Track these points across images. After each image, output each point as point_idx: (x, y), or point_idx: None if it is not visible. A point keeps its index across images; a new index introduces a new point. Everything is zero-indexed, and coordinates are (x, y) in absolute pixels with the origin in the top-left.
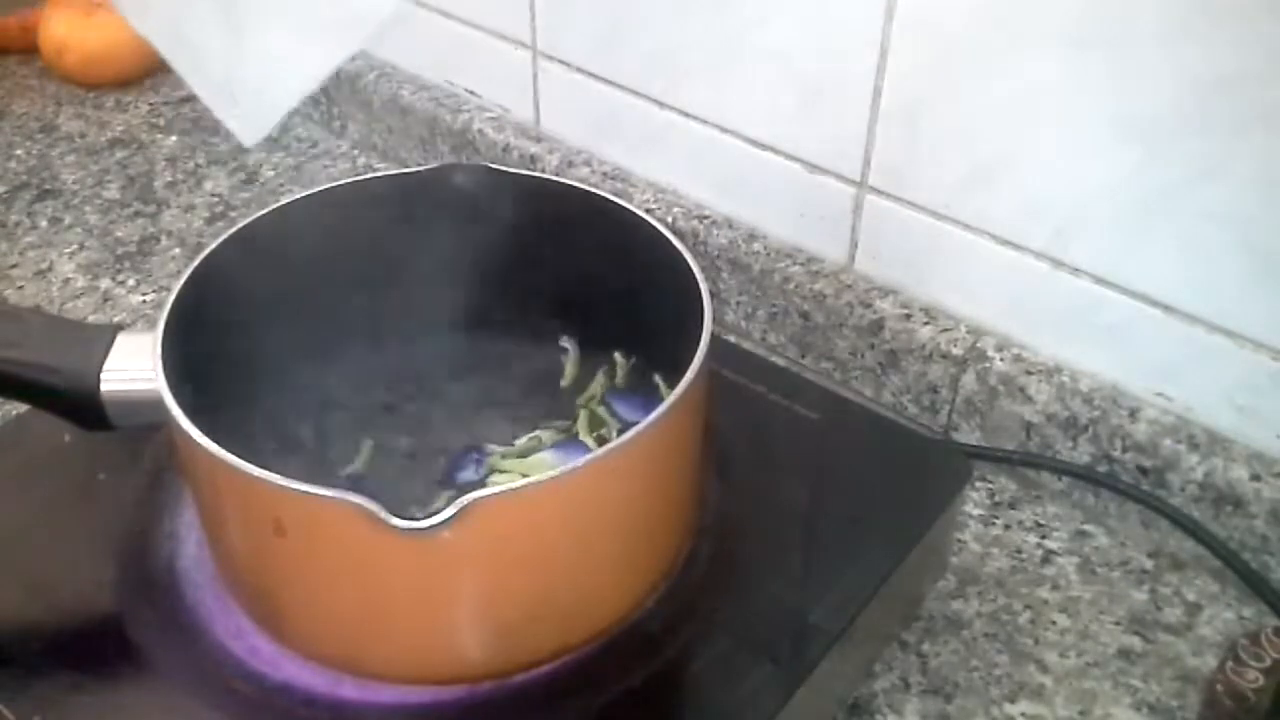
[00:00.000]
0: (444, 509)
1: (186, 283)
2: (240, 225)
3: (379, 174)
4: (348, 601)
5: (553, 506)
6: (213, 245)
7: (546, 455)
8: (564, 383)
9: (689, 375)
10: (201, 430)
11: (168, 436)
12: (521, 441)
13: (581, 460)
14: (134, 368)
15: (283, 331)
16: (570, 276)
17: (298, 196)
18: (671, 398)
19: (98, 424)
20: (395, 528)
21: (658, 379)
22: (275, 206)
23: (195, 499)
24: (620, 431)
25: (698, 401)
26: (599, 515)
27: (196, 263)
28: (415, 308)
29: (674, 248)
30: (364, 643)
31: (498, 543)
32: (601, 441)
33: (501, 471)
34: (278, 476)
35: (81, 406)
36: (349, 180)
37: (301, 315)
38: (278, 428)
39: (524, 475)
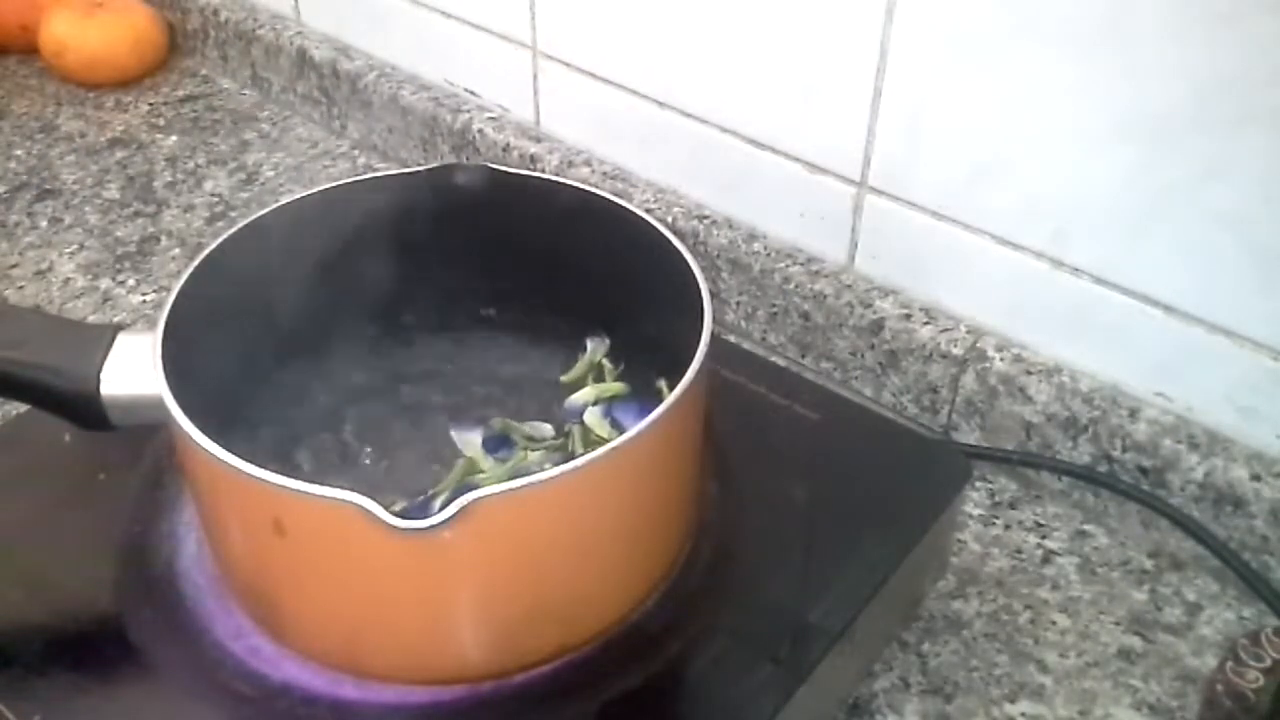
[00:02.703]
0: (444, 509)
1: (186, 283)
2: (240, 225)
3: (379, 174)
4: (348, 601)
5: (552, 506)
6: (212, 245)
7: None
8: (565, 378)
9: (689, 375)
10: (201, 430)
11: (168, 436)
12: (510, 464)
13: (581, 460)
14: (134, 368)
15: (282, 331)
16: (570, 277)
17: (297, 197)
18: (671, 398)
19: (98, 424)
20: (395, 528)
21: (661, 383)
22: (275, 207)
23: (195, 499)
24: None
25: (697, 402)
26: (598, 515)
27: (196, 263)
28: (414, 308)
29: (674, 247)
30: (364, 643)
31: (498, 543)
32: None
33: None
34: (278, 476)
35: (81, 407)
36: (349, 180)
37: (300, 315)
38: (277, 428)
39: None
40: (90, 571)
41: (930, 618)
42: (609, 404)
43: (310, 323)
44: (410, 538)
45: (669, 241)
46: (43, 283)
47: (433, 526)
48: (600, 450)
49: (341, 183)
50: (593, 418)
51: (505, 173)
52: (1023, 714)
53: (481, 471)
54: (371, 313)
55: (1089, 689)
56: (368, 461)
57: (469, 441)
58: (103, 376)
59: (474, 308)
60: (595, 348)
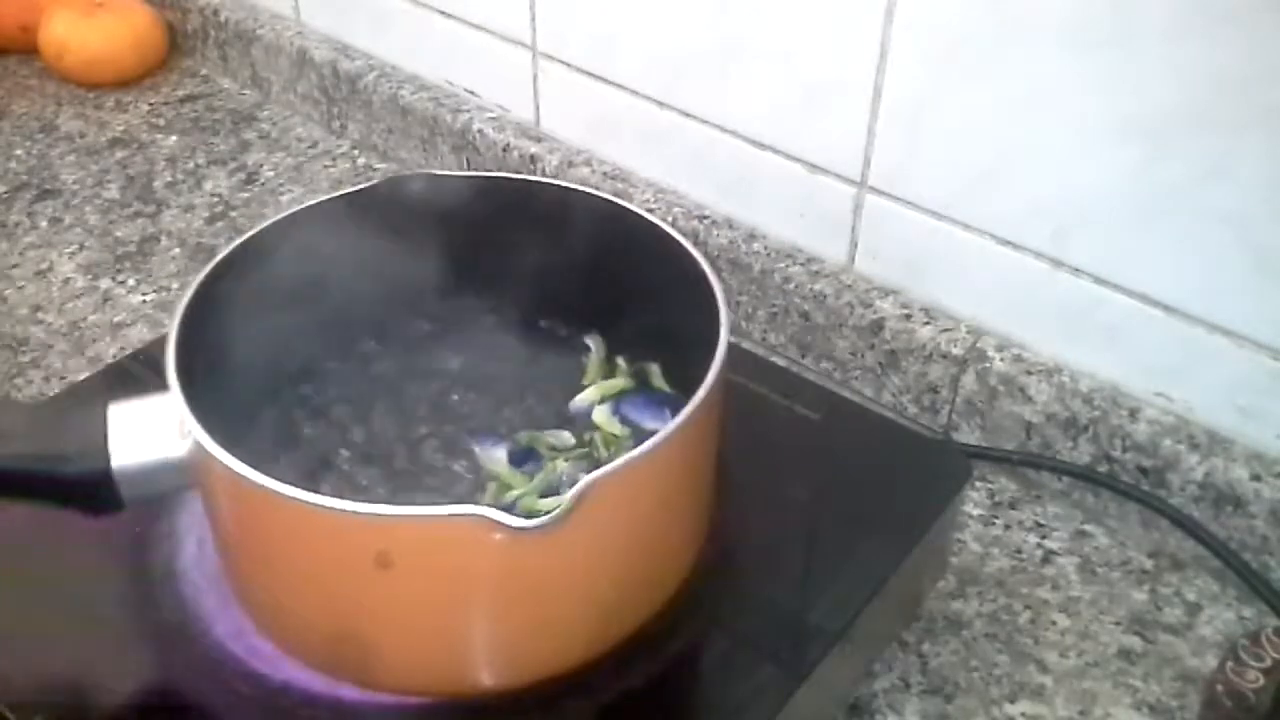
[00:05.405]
0: (556, 500)
1: (181, 328)
2: (233, 245)
3: (374, 182)
4: (455, 618)
5: (651, 479)
6: (203, 272)
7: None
8: (585, 381)
9: (722, 343)
10: (270, 475)
11: (203, 494)
12: (540, 477)
13: (673, 424)
14: (140, 435)
15: (282, 349)
16: (573, 281)
17: (281, 216)
18: (713, 372)
19: (108, 504)
20: (520, 529)
21: (654, 368)
22: (270, 222)
23: (249, 556)
24: (638, 436)
25: (726, 385)
26: (681, 482)
27: (189, 296)
28: (417, 318)
29: (681, 246)
30: (468, 658)
31: (608, 524)
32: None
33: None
34: (385, 507)
35: (92, 488)
36: (345, 192)
37: (302, 332)
38: (285, 450)
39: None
40: (90, 570)
41: (930, 618)
42: (616, 401)
43: (310, 340)
44: (533, 536)
45: (677, 242)
46: (43, 283)
47: (554, 520)
48: (680, 416)
49: (338, 194)
50: (601, 416)
51: (511, 179)
52: (1023, 714)
53: (511, 488)
54: (374, 325)
55: (1089, 689)
56: (383, 473)
57: (495, 459)
58: (111, 450)
59: (481, 316)
60: (598, 346)
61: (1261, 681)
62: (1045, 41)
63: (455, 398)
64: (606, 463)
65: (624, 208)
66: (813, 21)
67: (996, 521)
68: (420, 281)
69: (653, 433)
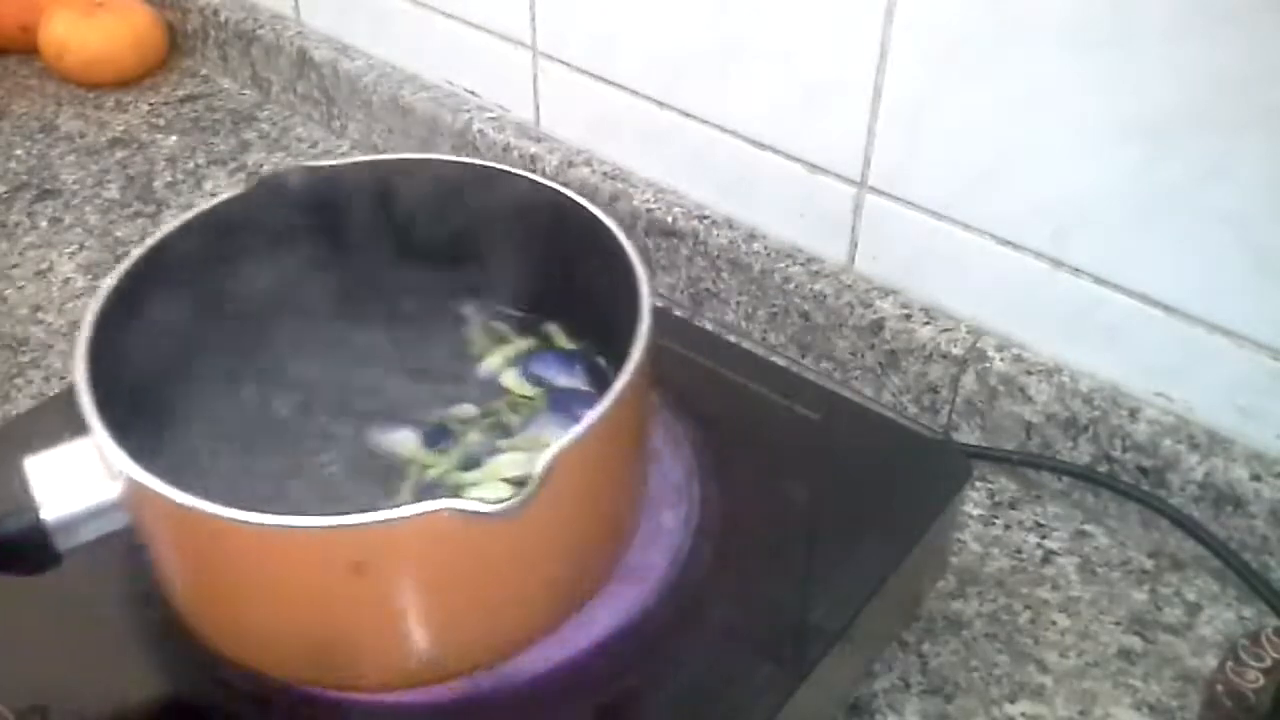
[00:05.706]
0: (523, 479)
1: (89, 366)
2: (135, 257)
3: (250, 184)
4: (432, 609)
5: (605, 441)
6: (101, 299)
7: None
8: (475, 350)
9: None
10: (230, 504)
11: (155, 533)
12: (456, 451)
13: (620, 382)
14: (63, 485)
15: (192, 359)
16: (454, 252)
17: (146, 248)
18: (644, 325)
19: (44, 561)
20: (491, 514)
21: (553, 327)
22: (139, 253)
23: (209, 588)
24: (551, 394)
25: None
26: (629, 441)
27: (85, 336)
28: (296, 316)
29: (589, 213)
30: (448, 648)
31: (574, 491)
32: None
33: (465, 485)
34: (356, 515)
35: (27, 547)
36: (226, 197)
37: (209, 344)
38: (200, 468)
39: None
40: (88, 572)
41: (930, 618)
42: (525, 362)
43: (218, 348)
44: (504, 520)
45: (586, 209)
46: (43, 283)
47: (524, 499)
48: (621, 381)
49: (222, 198)
50: (511, 380)
51: (383, 161)
52: (1023, 714)
53: (430, 466)
54: (280, 325)
55: (1089, 689)
56: (302, 470)
57: (401, 442)
58: (39, 502)
59: (386, 301)
60: (474, 313)
61: (1261, 681)
62: (1045, 41)
63: (349, 392)
64: (517, 429)
65: (489, 168)
66: (813, 21)
67: (996, 521)
68: (298, 280)
69: (565, 389)
